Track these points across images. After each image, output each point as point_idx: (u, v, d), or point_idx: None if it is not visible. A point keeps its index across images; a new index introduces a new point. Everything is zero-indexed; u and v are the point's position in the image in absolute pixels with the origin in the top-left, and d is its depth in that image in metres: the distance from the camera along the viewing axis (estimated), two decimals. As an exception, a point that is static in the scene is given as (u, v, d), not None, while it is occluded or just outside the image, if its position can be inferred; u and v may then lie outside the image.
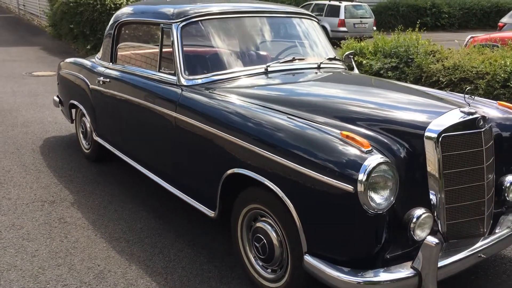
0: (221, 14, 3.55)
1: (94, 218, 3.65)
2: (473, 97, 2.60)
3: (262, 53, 3.64)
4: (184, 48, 3.35)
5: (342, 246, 2.31)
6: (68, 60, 5.15)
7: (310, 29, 3.94)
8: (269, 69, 3.39)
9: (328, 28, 15.27)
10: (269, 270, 2.72)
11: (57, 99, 5.33)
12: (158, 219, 3.64)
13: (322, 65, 3.64)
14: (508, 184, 2.77)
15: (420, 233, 2.33)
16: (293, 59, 3.56)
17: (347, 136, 2.29)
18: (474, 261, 2.45)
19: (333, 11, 15.51)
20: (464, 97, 2.57)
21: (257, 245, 2.69)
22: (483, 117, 2.55)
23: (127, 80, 3.82)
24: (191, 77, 3.29)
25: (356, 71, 4.13)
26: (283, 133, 2.50)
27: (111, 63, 4.17)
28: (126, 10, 4.19)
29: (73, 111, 4.96)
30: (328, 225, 2.30)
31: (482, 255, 2.44)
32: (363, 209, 2.16)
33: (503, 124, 2.94)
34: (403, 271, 2.22)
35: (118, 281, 2.87)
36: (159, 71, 3.50)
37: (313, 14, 4.09)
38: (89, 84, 4.38)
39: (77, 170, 4.58)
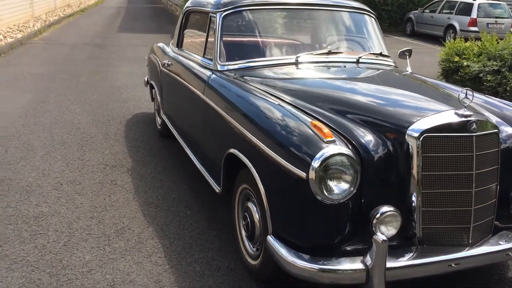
0: (266, 5, 3.71)
1: (140, 184, 4.10)
2: (471, 94, 2.42)
3: (298, 44, 3.72)
4: (224, 37, 3.59)
5: (300, 232, 2.36)
6: (158, 44, 5.71)
7: (359, 23, 3.90)
8: (300, 60, 3.47)
9: (457, 27, 14.25)
10: (254, 248, 2.86)
11: (146, 79, 5.95)
12: (192, 193, 3.96)
13: (362, 60, 3.61)
14: (518, 199, 2.54)
15: (384, 231, 2.29)
16: (329, 52, 3.59)
17: (315, 126, 2.33)
18: (444, 270, 2.33)
19: (465, 9, 14.38)
20: (459, 98, 2.41)
21: (243, 222, 2.85)
22: (481, 121, 2.39)
23: (181, 63, 4.19)
24: (226, 63, 3.52)
25: (409, 69, 3.97)
26: (262, 117, 2.62)
27: (177, 48, 4.59)
28: (195, -2, 4.56)
29: (153, 90, 5.51)
30: (288, 210, 2.38)
31: (453, 265, 2.30)
32: (315, 197, 2.20)
33: None
34: (351, 264, 2.21)
35: (132, 238, 3.25)
36: (203, 57, 3.80)
37: (367, 8, 4.01)
38: (160, 66, 4.86)
39: (146, 142, 5.12)
